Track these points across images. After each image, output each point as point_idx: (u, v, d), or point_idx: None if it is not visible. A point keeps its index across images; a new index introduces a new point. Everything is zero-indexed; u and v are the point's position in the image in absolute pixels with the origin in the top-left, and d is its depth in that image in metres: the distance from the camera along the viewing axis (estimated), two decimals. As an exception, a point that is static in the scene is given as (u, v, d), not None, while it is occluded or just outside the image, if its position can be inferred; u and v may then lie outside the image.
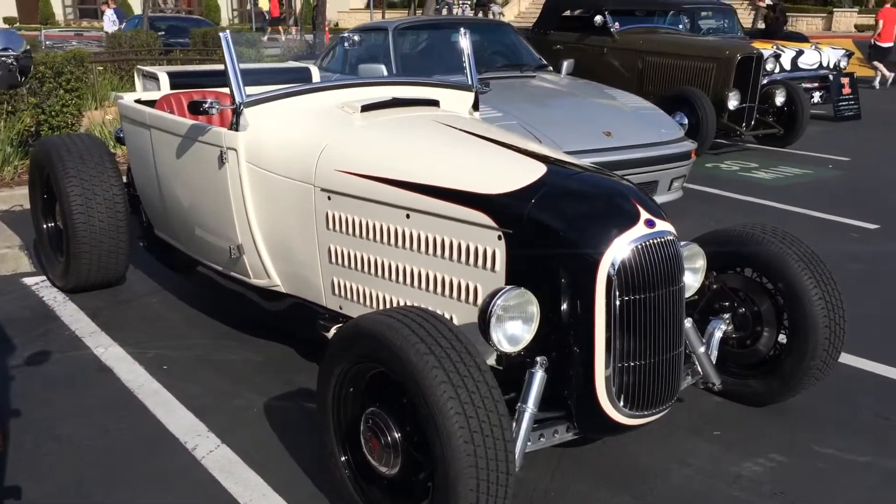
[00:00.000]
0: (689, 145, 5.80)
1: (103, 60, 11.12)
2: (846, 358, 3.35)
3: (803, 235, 5.27)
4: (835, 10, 25.47)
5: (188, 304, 4.04)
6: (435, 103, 3.46)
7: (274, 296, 3.36)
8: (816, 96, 10.88)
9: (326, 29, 24.71)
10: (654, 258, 2.39)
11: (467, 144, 2.94)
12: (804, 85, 10.81)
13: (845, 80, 11.07)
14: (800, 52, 10.77)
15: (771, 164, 7.98)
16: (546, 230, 2.43)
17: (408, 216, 2.74)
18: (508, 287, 2.30)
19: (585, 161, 2.90)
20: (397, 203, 2.77)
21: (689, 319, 2.82)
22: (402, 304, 2.83)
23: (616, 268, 2.33)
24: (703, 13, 11.95)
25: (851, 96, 11.10)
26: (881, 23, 14.86)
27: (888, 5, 15.28)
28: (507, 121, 5.45)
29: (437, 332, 2.09)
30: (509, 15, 30.28)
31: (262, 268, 3.31)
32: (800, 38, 14.47)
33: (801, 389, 2.94)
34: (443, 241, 2.65)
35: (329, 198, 2.98)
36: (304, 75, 4.56)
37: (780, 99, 8.55)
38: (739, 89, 8.16)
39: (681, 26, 9.61)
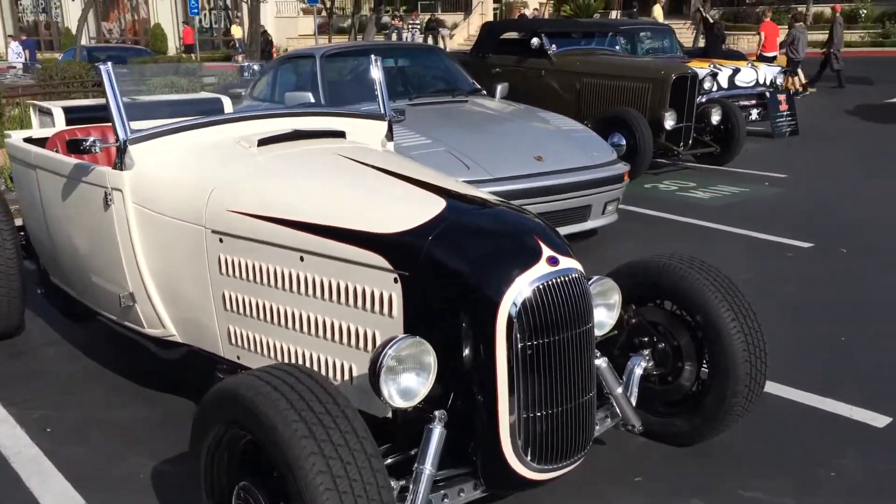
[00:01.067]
0: (622, 168, 5.72)
1: (30, 93, 10.73)
2: (776, 388, 3.23)
3: (738, 256, 5.21)
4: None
5: (86, 355, 3.76)
6: (340, 135, 3.28)
7: (170, 346, 3.12)
8: (754, 113, 11.01)
9: (274, 55, 24.48)
10: (558, 298, 2.24)
11: (367, 179, 2.77)
12: (742, 102, 10.94)
13: (782, 97, 11.22)
14: (736, 70, 10.89)
15: (709, 182, 7.97)
16: (442, 271, 2.26)
17: (302, 259, 2.55)
18: (401, 336, 2.12)
19: (490, 192, 2.74)
20: (290, 245, 2.57)
21: (605, 359, 2.67)
22: (300, 353, 2.63)
23: (517, 310, 2.17)
24: (643, 33, 12.08)
25: (788, 112, 11.25)
26: (763, 34, 15.75)
27: (767, 19, 16.21)
28: (434, 148, 5.31)
29: (310, 395, 1.89)
30: (458, 38, 30.50)
31: (156, 317, 3.08)
32: (738, 56, 14.75)
33: (727, 426, 2.80)
34: (338, 286, 2.46)
35: (221, 240, 2.76)
36: (214, 106, 4.34)
37: (716, 117, 8.58)
38: (676, 109, 8.16)
39: (618, 47, 9.62)
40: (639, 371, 2.78)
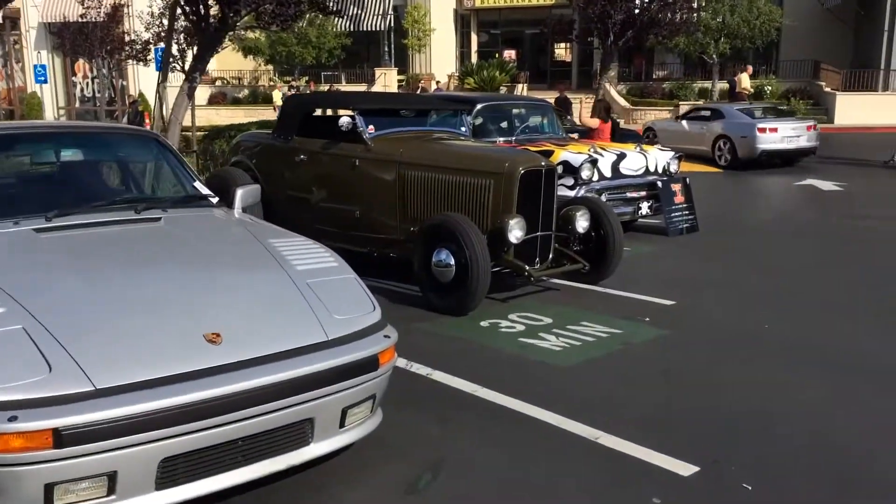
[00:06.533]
0: (382, 343, 3.31)
1: None
2: None
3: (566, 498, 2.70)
4: (681, 103, 25.03)
5: None
6: None
7: None
8: (645, 207, 9.02)
9: (147, 126, 21.84)
10: None
11: None
12: (629, 194, 8.95)
13: (677, 187, 9.28)
14: (621, 156, 8.91)
15: (570, 318, 5.68)
16: None
17: None
18: None
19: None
20: None
21: None
22: None
23: None
24: (515, 111, 10.08)
25: (685, 205, 9.31)
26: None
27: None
28: (6, 325, 2.82)
29: None
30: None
31: None
32: (634, 136, 12.97)
33: None
34: None
35: None
36: None
37: (582, 224, 6.38)
38: (528, 214, 5.94)
39: (464, 128, 7.44)
40: None
